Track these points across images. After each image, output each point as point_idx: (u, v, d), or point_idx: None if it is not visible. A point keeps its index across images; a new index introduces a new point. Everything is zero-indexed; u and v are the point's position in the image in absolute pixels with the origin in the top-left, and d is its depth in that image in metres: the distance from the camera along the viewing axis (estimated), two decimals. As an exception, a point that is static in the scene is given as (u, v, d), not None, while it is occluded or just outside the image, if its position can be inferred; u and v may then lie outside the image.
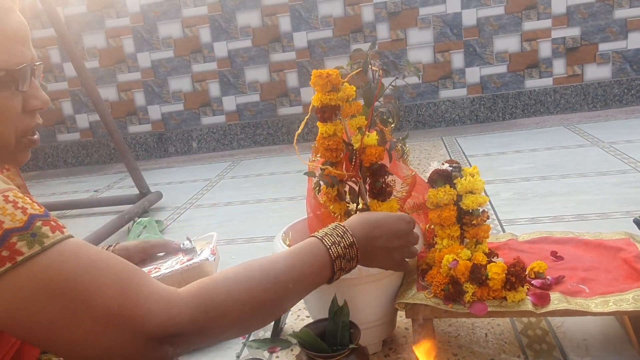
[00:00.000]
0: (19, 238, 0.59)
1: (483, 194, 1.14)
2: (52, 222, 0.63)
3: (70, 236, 0.64)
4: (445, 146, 3.06)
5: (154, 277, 0.97)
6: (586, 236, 1.25)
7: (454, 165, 1.17)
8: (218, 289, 0.71)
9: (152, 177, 3.22)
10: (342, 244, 0.83)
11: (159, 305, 0.64)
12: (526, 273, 1.05)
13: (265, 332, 1.36)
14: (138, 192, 2.66)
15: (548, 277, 1.09)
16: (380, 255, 0.91)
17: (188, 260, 1.02)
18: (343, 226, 0.86)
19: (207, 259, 1.01)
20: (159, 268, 1.02)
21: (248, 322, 0.73)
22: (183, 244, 1.15)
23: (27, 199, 0.63)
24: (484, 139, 3.13)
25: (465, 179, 1.12)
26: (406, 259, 0.98)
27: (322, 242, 0.83)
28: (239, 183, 2.97)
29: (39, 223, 0.61)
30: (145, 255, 1.20)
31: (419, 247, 1.01)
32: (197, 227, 2.30)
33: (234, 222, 2.31)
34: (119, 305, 0.62)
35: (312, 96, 1.17)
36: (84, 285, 0.61)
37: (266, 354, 1.26)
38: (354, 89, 1.18)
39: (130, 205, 2.50)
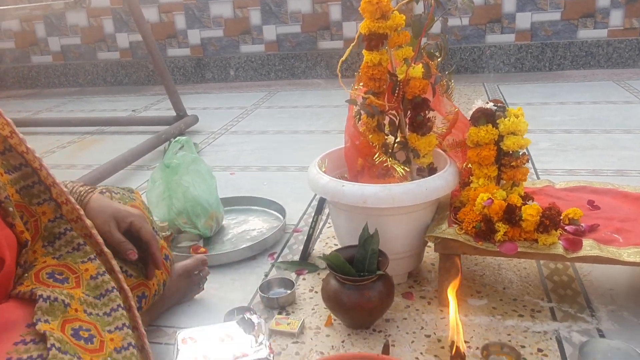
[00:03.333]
0: None
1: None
2: None
3: None
4: (487, 92, 2.98)
5: None
6: (626, 188, 1.22)
7: (499, 105, 1.14)
8: None
9: (188, 101, 3.23)
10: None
11: None
12: (560, 218, 1.04)
13: (294, 255, 1.41)
14: (175, 114, 2.70)
15: (582, 224, 1.08)
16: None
17: (243, 356, 0.97)
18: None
19: (267, 359, 0.97)
20: (209, 358, 0.94)
21: None
22: (245, 316, 1.00)
23: None
24: (528, 88, 3.04)
25: (509, 120, 1.10)
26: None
27: None
28: (275, 113, 2.97)
29: None
30: (123, 224, 0.99)
31: None
32: (232, 153, 2.33)
33: (268, 151, 2.33)
34: None
35: (354, 31, 1.15)
36: None
37: (293, 275, 1.31)
38: (404, 18, 1.15)
39: (167, 127, 2.54)
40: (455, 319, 0.89)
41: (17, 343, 0.71)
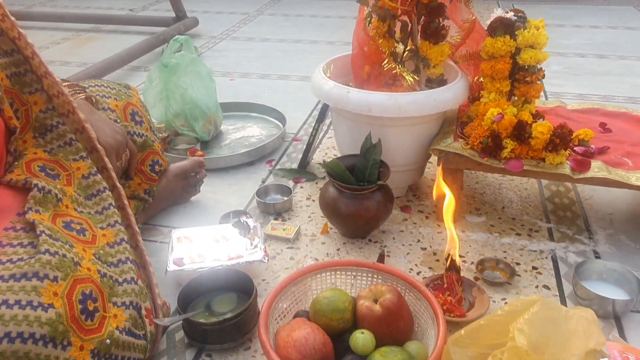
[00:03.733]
0: None
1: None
2: None
3: None
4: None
5: (198, 267, 0.91)
6: (640, 113, 1.18)
7: (519, 15, 1.07)
8: None
9: (188, 3, 3.07)
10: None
11: None
12: (571, 138, 1.01)
13: (292, 164, 1.38)
14: (174, 15, 2.57)
15: (592, 146, 1.05)
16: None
17: (238, 257, 0.94)
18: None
19: (262, 261, 0.94)
20: (203, 257, 0.94)
21: None
22: (241, 219, 1.03)
23: None
24: (543, 9, 2.90)
25: (529, 31, 1.04)
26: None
27: None
28: (278, 21, 2.84)
29: None
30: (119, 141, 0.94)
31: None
32: (232, 59, 2.25)
33: (270, 59, 2.24)
34: None
35: None
36: None
37: (291, 183, 1.29)
38: None
39: (165, 28, 2.44)
40: (451, 233, 0.88)
41: (7, 229, 0.69)
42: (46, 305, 0.61)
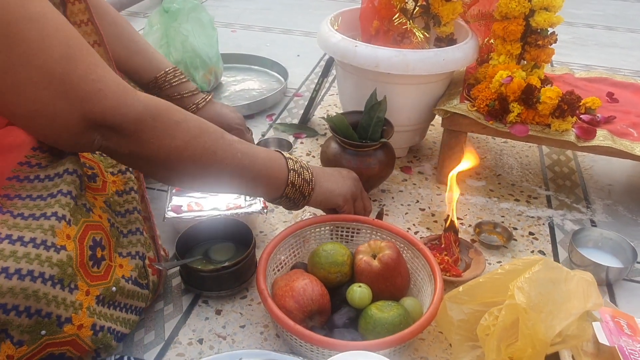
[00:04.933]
0: None
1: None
2: None
3: None
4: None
5: (196, 216, 0.90)
6: (649, 85, 1.17)
7: (536, -25, 1.04)
8: (178, 110, 0.66)
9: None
10: (299, 164, 0.81)
11: (112, 90, 0.59)
12: (579, 104, 1.00)
13: (293, 119, 1.36)
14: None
15: (598, 115, 1.04)
16: (335, 177, 0.86)
17: (236, 207, 0.92)
18: (307, 163, 0.83)
19: (260, 213, 0.92)
20: (201, 205, 0.93)
21: (185, 160, 0.67)
22: None
23: None
24: (554, -23, 2.84)
25: (544, -7, 1.01)
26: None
27: (287, 162, 0.79)
28: (282, -26, 2.77)
29: None
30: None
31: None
32: (234, 10, 2.19)
33: (272, 12, 2.19)
34: (62, 71, 0.56)
35: None
36: (27, 36, 0.54)
37: (291, 137, 1.27)
38: None
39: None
40: (451, 195, 0.88)
41: (22, 164, 0.67)
42: (59, 246, 0.60)
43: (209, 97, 1.04)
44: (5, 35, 0.53)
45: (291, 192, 0.79)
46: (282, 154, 0.80)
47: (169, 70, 1.01)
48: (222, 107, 1.06)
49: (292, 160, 0.80)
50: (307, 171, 0.81)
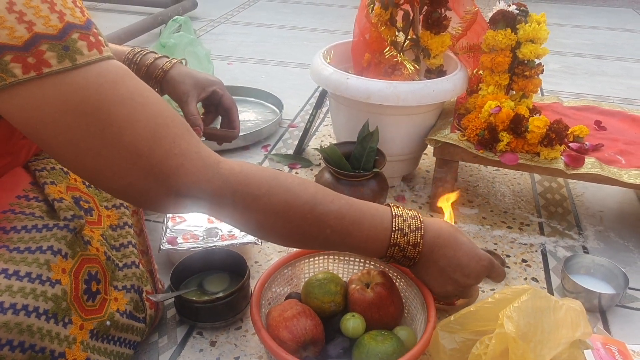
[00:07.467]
0: (49, 47, 0.51)
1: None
2: (90, 38, 0.54)
3: (110, 57, 0.56)
4: (500, 8, 2.85)
5: (191, 247, 0.91)
6: (635, 112, 1.19)
7: (521, 9, 1.07)
8: (260, 182, 0.63)
9: (188, -15, 3.07)
10: (407, 238, 0.70)
11: (193, 163, 0.59)
12: (567, 133, 1.02)
13: (288, 149, 1.38)
14: (173, -4, 2.55)
15: (586, 143, 1.06)
16: (434, 274, 0.74)
17: (231, 238, 0.94)
18: (421, 222, 0.72)
19: (255, 243, 0.94)
20: (196, 237, 0.95)
21: (266, 233, 0.67)
22: None
23: (70, 0, 0.54)
24: (543, 7, 2.90)
25: (530, 26, 1.04)
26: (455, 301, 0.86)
27: (392, 221, 0.70)
28: (277, 7, 2.83)
29: (75, 35, 0.53)
30: (203, 94, 0.96)
31: (472, 300, 0.86)
32: (230, 43, 2.24)
33: (268, 45, 2.23)
34: (149, 149, 0.56)
35: None
36: (117, 118, 0.54)
37: (286, 168, 1.29)
38: None
39: (163, 9, 2.42)
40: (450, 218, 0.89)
41: (20, 197, 0.69)
42: (54, 280, 0.61)
43: (177, 60, 0.96)
44: (98, 119, 0.54)
45: (386, 261, 0.74)
46: (392, 220, 0.70)
47: (128, 52, 0.95)
48: (195, 71, 0.98)
49: (399, 232, 0.70)
50: (414, 248, 0.71)
